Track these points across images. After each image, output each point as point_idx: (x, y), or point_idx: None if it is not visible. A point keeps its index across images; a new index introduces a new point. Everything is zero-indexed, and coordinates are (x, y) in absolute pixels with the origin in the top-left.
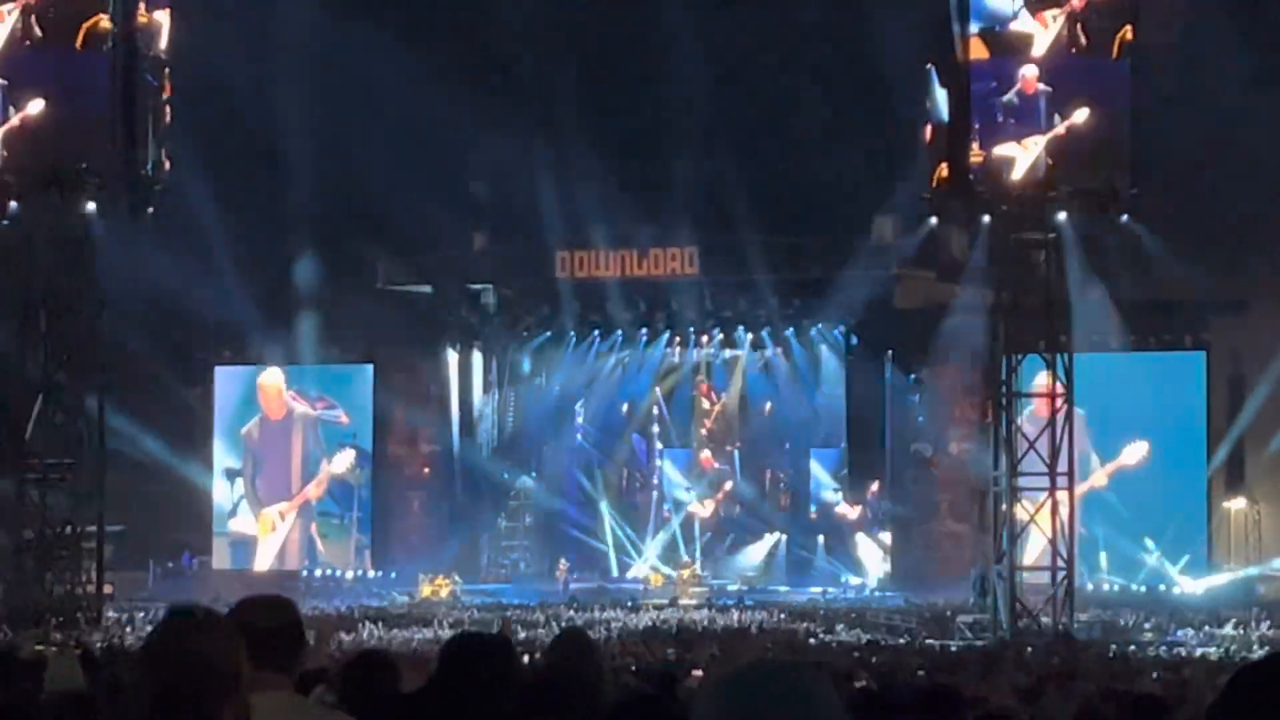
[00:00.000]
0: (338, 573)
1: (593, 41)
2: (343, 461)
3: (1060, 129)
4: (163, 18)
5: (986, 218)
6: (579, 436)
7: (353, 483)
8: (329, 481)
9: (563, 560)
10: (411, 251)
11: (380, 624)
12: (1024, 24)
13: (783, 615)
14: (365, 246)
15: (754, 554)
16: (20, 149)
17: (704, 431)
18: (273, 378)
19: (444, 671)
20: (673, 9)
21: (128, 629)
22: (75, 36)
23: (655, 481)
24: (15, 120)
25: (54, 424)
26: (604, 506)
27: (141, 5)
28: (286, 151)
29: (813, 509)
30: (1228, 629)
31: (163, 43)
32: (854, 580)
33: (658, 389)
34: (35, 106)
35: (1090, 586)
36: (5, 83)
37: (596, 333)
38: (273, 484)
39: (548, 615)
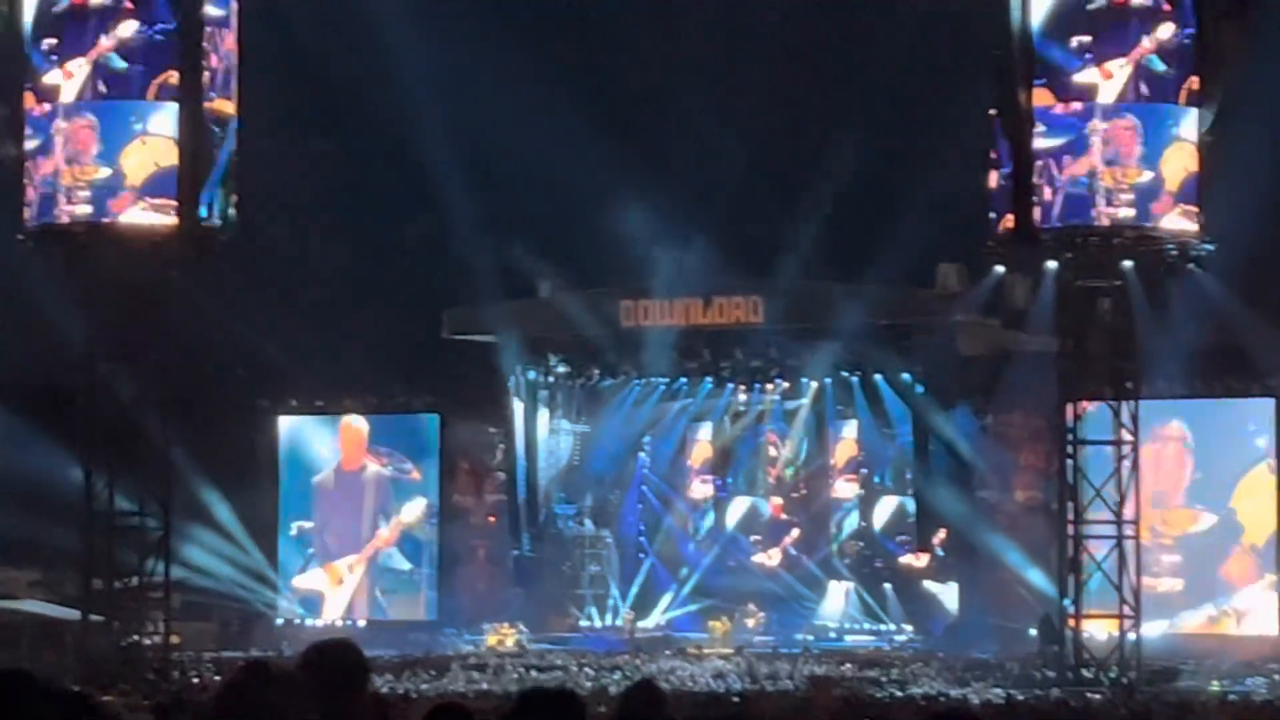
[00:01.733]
0: (403, 619)
1: (650, 89)
2: (414, 510)
3: (1128, 212)
4: (228, 105)
5: (1052, 264)
6: (643, 486)
7: (422, 538)
8: (400, 531)
9: (628, 609)
10: (477, 300)
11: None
12: (1088, 75)
13: (847, 665)
14: (431, 295)
15: (822, 603)
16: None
17: (770, 479)
18: (358, 423)
19: None
20: (717, 56)
21: (195, 679)
22: (145, 93)
23: (721, 530)
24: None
25: (119, 474)
26: (697, 556)
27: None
28: (355, 200)
29: (879, 558)
30: None
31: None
32: (919, 631)
33: (722, 437)
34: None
35: (1158, 634)
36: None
37: (661, 381)
38: (342, 538)
39: (614, 664)
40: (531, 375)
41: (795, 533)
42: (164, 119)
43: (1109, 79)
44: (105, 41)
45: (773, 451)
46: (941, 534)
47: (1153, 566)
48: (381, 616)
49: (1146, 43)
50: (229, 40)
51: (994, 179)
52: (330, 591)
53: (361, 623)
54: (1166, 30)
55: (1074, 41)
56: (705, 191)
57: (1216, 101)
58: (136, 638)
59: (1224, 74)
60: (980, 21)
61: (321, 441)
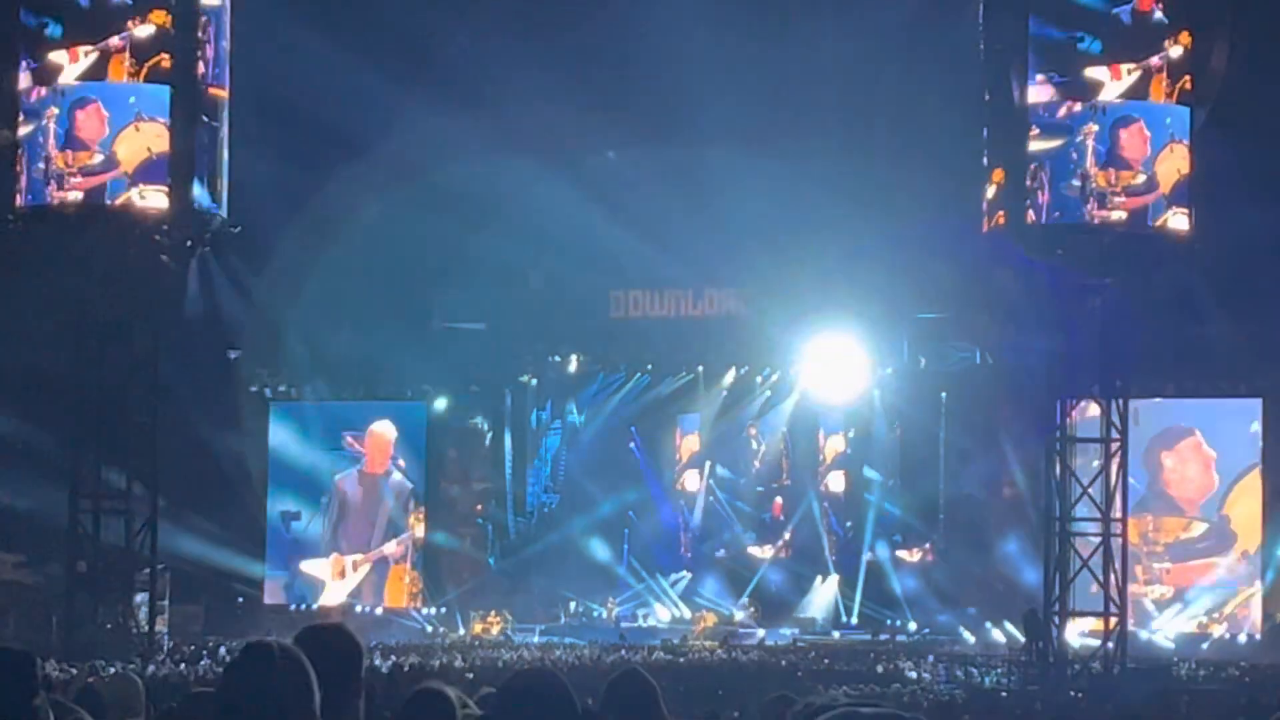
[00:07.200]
0: (386, 608)
1: (642, 87)
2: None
3: (1121, 215)
4: (221, 93)
5: (1043, 261)
6: (630, 477)
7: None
8: (409, 544)
9: (612, 599)
10: (467, 289)
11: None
12: (1096, 71)
13: (825, 660)
14: (421, 284)
15: (811, 597)
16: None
17: (758, 472)
18: (385, 429)
19: (502, 710)
20: (721, 50)
21: (182, 665)
22: (138, 76)
23: (708, 522)
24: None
25: (106, 456)
26: (684, 548)
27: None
28: (346, 186)
29: (868, 552)
30: None
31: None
32: (910, 625)
33: (711, 430)
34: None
35: (1144, 635)
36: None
37: (649, 372)
38: (354, 537)
39: (599, 654)
40: (519, 364)
41: (782, 526)
42: (158, 104)
43: (1116, 79)
44: (112, 29)
45: (761, 444)
46: (929, 528)
47: (1143, 574)
48: (374, 603)
49: (1158, 53)
50: (224, 30)
51: (990, 190)
52: (332, 582)
53: (362, 609)
54: (1178, 48)
55: (1087, 39)
56: (695, 187)
57: (1209, 103)
58: (121, 619)
59: (1215, 79)
60: (974, 11)
61: (310, 427)
